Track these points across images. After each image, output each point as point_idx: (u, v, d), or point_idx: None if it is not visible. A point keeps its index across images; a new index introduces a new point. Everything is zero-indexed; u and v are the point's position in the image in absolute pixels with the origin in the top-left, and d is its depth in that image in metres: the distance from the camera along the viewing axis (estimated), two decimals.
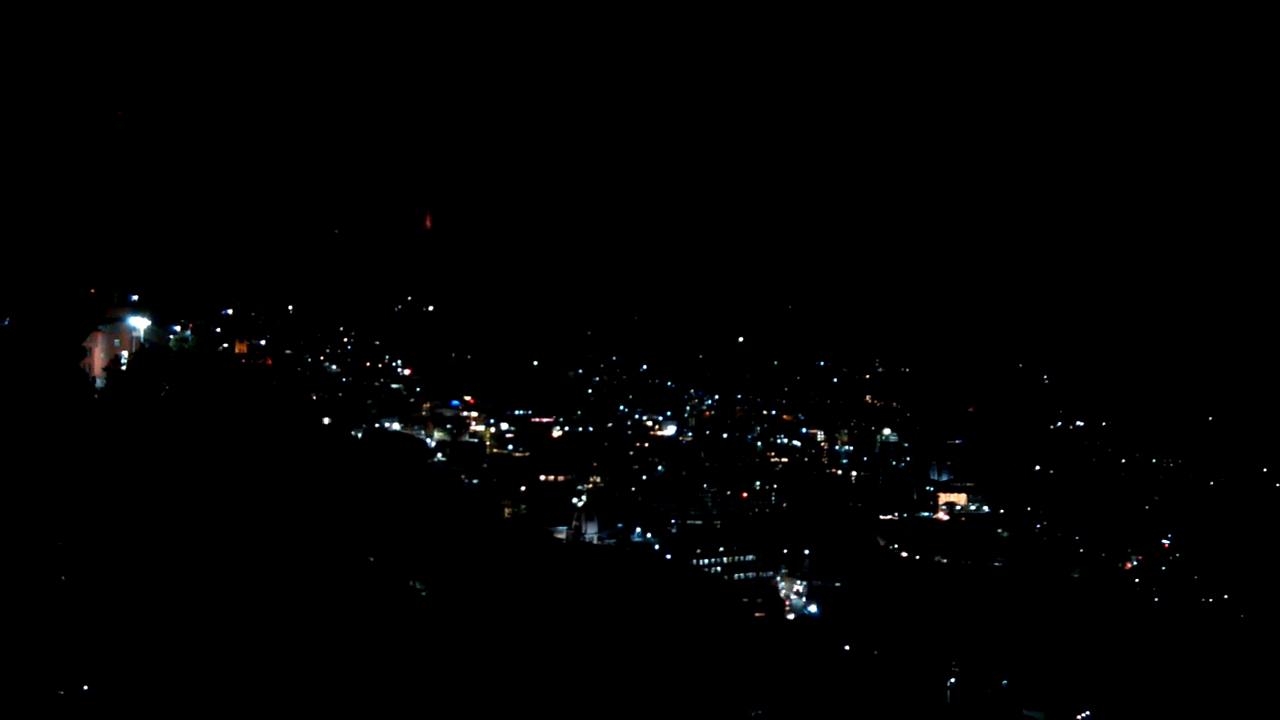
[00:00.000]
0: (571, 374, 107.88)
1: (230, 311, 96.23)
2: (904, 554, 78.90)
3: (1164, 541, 77.90)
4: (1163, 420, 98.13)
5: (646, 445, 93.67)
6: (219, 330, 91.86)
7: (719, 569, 70.03)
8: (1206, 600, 71.80)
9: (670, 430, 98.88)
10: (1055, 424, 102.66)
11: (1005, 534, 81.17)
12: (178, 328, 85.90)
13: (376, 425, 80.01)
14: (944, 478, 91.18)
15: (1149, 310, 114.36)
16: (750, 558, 71.37)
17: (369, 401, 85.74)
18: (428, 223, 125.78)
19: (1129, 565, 76.23)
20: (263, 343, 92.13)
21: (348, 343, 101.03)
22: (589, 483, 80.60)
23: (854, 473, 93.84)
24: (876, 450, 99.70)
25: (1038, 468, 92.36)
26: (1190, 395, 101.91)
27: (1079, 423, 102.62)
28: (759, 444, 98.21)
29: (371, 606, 45.44)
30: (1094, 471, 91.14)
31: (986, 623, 64.64)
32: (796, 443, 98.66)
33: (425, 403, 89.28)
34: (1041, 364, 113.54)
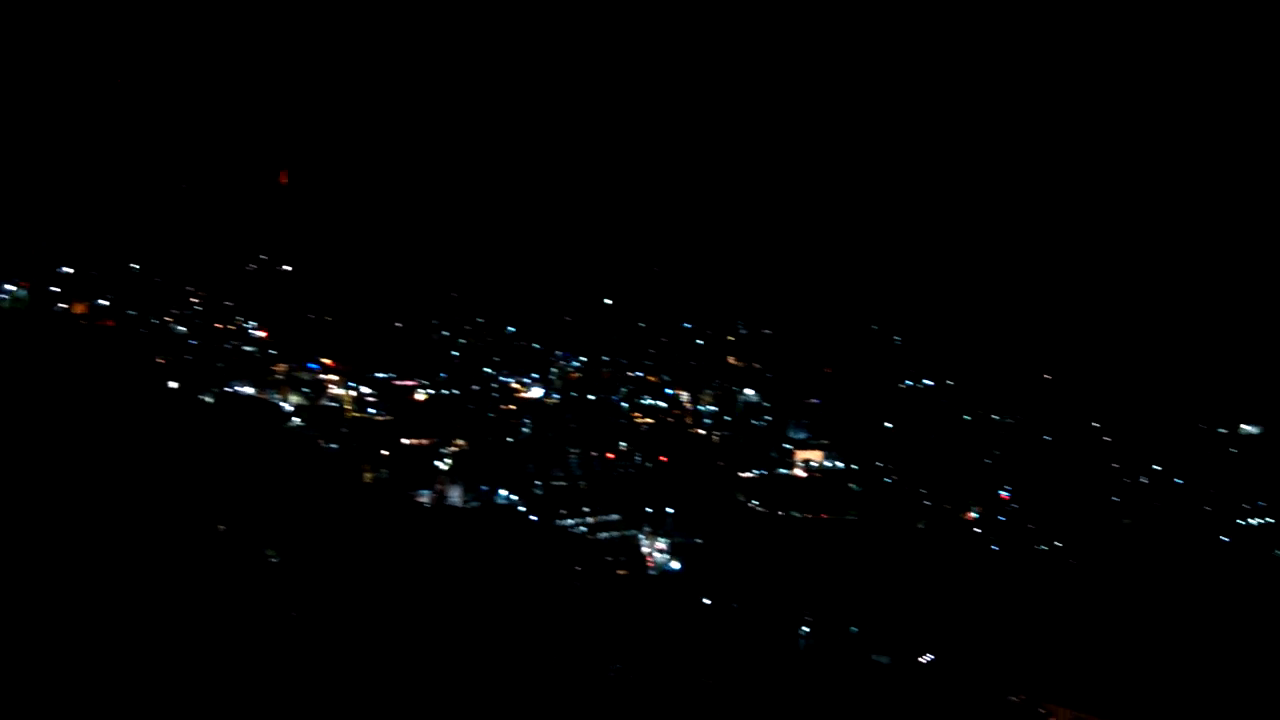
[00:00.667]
0: (436, 336, 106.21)
1: (69, 270, 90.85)
2: (763, 510, 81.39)
3: (1002, 494, 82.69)
4: (1002, 379, 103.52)
5: (513, 408, 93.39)
6: (56, 289, 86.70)
7: (584, 529, 70.92)
8: (1041, 547, 76.77)
9: (537, 392, 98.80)
10: (905, 383, 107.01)
11: (857, 488, 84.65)
12: (11, 287, 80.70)
13: (227, 389, 77.29)
14: (802, 436, 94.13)
15: (987, 274, 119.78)
16: (615, 517, 72.47)
17: (219, 364, 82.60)
18: (283, 178, 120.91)
19: (970, 515, 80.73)
20: (104, 303, 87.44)
21: (196, 303, 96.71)
22: (453, 446, 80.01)
23: (716, 433, 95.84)
24: (739, 410, 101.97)
25: (888, 425, 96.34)
26: (1026, 355, 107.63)
27: (927, 381, 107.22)
28: (625, 405, 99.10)
29: (220, 574, 44.27)
30: (939, 428, 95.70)
31: (838, 573, 67.63)
32: (662, 404, 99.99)
33: (280, 365, 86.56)
34: (893, 326, 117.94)
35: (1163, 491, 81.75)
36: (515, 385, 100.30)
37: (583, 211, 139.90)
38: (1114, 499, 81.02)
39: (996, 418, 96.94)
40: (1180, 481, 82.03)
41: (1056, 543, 75.25)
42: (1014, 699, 53.67)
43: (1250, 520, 75.64)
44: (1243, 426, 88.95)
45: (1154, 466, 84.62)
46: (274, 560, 49.05)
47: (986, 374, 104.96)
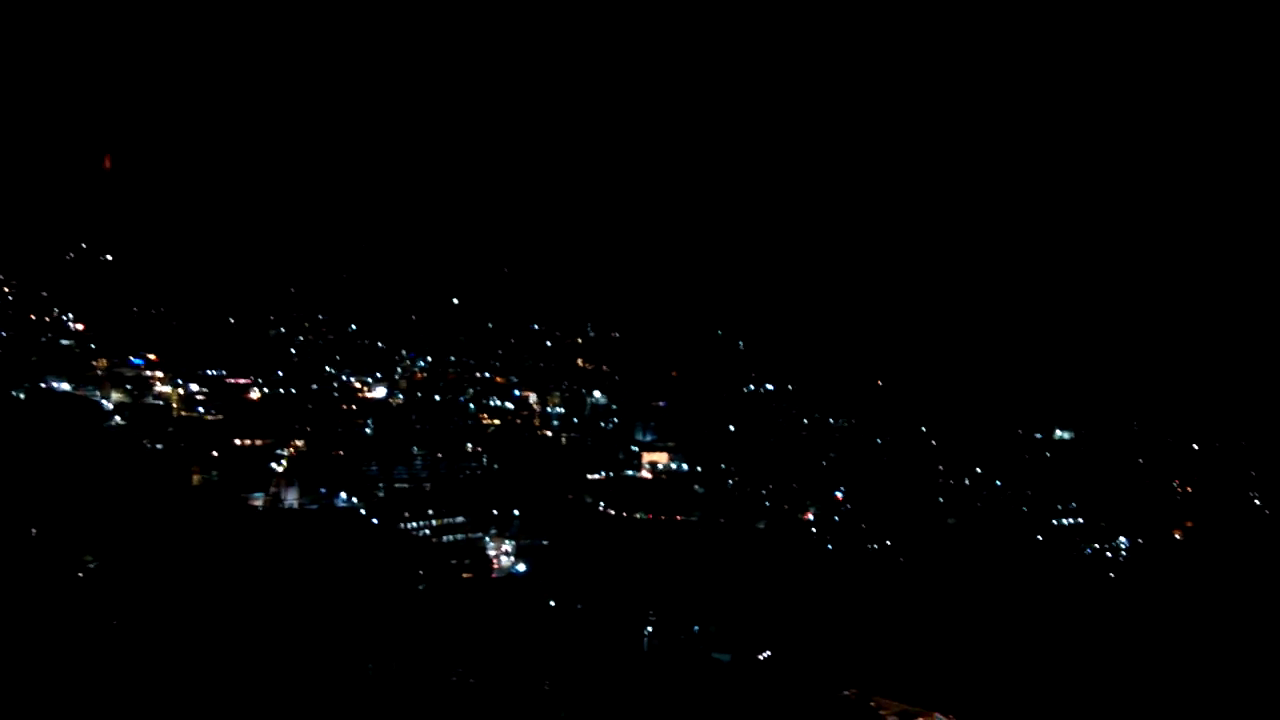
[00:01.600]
0: (273, 332, 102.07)
1: None
2: (609, 511, 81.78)
3: (837, 494, 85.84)
4: (837, 385, 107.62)
5: (354, 407, 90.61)
6: None
7: (427, 532, 69.39)
8: (873, 546, 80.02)
9: (380, 392, 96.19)
10: (748, 387, 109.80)
11: (701, 490, 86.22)
12: None
13: (42, 385, 71.99)
14: (648, 438, 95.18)
15: (824, 283, 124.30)
16: (460, 519, 71.23)
17: (33, 359, 76.83)
18: (107, 163, 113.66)
19: (807, 515, 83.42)
20: None
21: (8, 293, 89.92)
22: (290, 447, 76.98)
23: (565, 434, 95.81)
24: (587, 412, 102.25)
25: (731, 428, 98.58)
26: (861, 362, 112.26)
27: (768, 386, 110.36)
28: (471, 406, 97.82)
29: (33, 580, 41.19)
30: (779, 431, 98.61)
31: (682, 573, 68.56)
32: (509, 405, 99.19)
33: (101, 360, 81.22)
34: (737, 331, 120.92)
35: (983, 492, 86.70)
36: (357, 384, 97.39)
37: (429, 207, 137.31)
38: (939, 499, 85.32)
39: (833, 421, 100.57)
40: (1000, 483, 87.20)
41: (888, 541, 78.63)
42: (847, 693, 55.65)
43: (1063, 520, 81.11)
44: (1057, 432, 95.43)
45: (976, 469, 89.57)
46: (92, 566, 46.00)
47: (823, 379, 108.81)
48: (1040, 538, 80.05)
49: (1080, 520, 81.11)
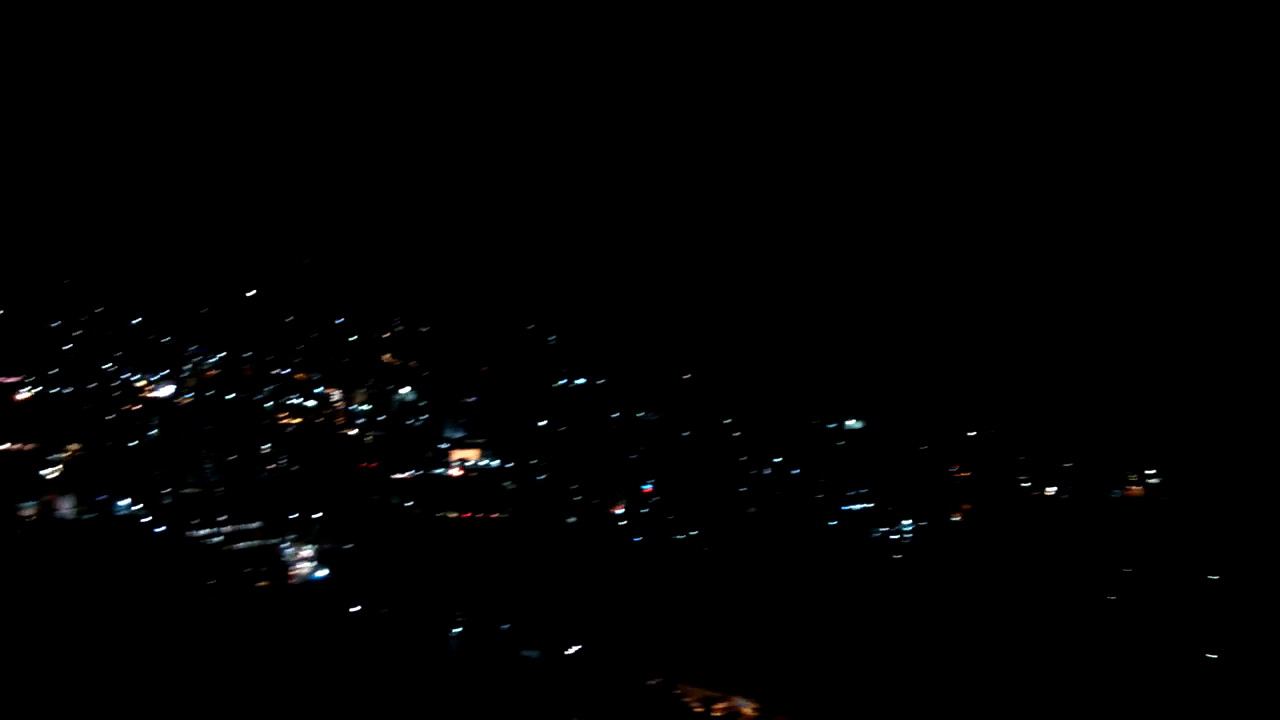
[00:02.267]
0: (44, 326, 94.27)
1: None
2: (417, 511, 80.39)
3: (645, 487, 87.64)
4: (645, 379, 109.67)
5: (138, 408, 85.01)
6: None
7: (219, 539, 66.14)
8: (678, 537, 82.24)
9: (167, 390, 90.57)
10: (558, 382, 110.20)
11: (512, 486, 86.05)
12: None
13: None
14: (458, 434, 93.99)
15: (629, 279, 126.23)
16: (255, 525, 68.29)
17: None
18: None
19: (616, 509, 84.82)
20: None
21: None
22: (64, 451, 71.57)
23: (370, 433, 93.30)
24: (394, 409, 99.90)
25: (543, 423, 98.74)
26: (667, 357, 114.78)
27: (580, 380, 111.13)
28: (269, 404, 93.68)
29: None
30: (589, 426, 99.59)
31: (490, 571, 68.37)
32: (311, 403, 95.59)
33: None
34: (548, 325, 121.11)
35: (782, 482, 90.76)
36: (141, 383, 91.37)
37: (224, 193, 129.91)
38: (741, 489, 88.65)
39: (641, 415, 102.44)
40: (797, 472, 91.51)
41: (692, 531, 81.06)
42: (652, 682, 57.21)
43: (853, 506, 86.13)
44: (848, 422, 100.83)
45: (775, 459, 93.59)
46: None
47: (631, 374, 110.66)
48: (834, 523, 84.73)
49: (869, 505, 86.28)
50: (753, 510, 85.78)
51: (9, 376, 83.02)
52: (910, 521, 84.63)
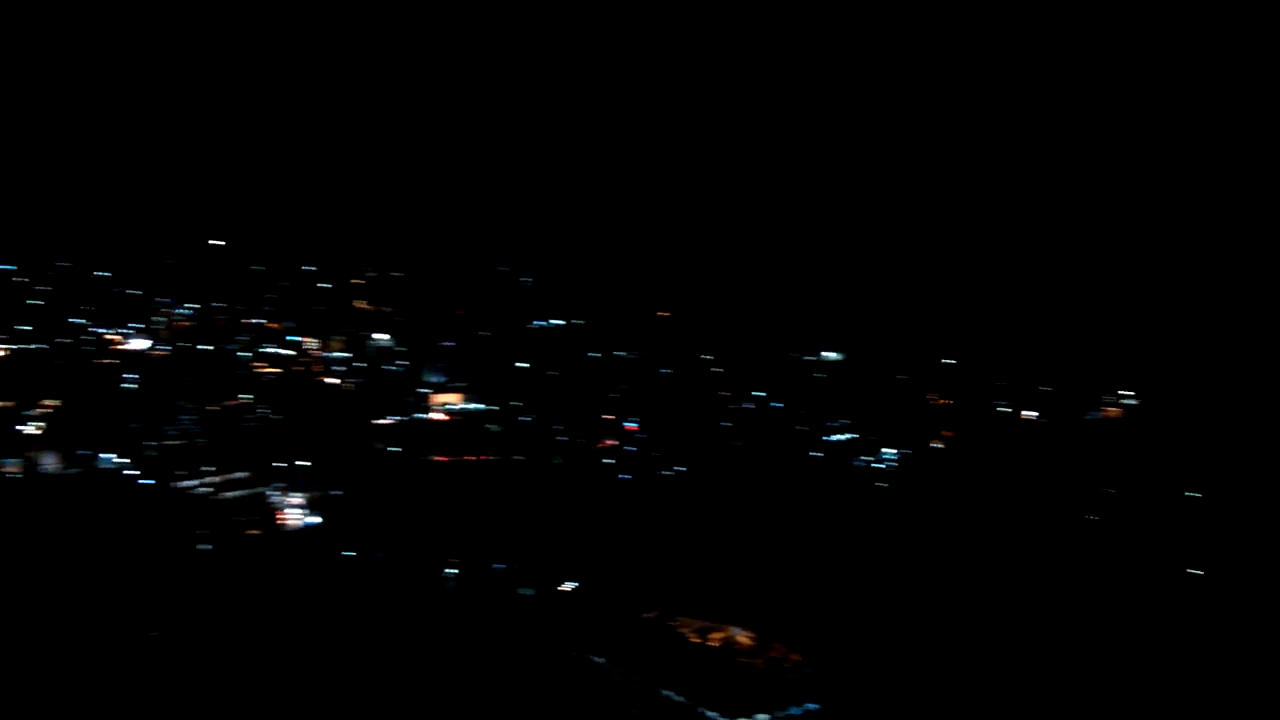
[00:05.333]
0: (10, 282, 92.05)
1: None
2: (401, 456, 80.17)
3: (629, 425, 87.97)
4: (623, 318, 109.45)
5: (114, 361, 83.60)
6: None
7: (207, 489, 65.66)
8: (665, 473, 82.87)
9: (141, 344, 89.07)
10: (533, 323, 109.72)
11: (496, 429, 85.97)
12: None
13: None
14: (439, 379, 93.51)
15: (608, 214, 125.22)
16: (242, 475, 67.82)
17: None
18: None
19: (601, 447, 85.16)
20: None
21: None
22: (41, 407, 70.36)
23: (349, 380, 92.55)
24: (371, 355, 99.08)
25: (523, 365, 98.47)
26: (644, 294, 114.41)
27: (555, 321, 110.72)
28: (244, 354, 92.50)
29: None
30: (568, 366, 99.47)
31: (481, 513, 68.64)
32: (287, 351, 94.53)
33: None
34: (521, 267, 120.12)
35: (764, 415, 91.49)
36: (112, 336, 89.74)
37: (189, 138, 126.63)
38: (725, 424, 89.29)
39: (621, 354, 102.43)
40: (779, 405, 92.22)
41: (679, 467, 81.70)
42: (648, 615, 57.99)
43: (836, 436, 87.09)
44: (824, 354, 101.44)
45: (756, 393, 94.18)
46: None
47: (609, 313, 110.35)
48: (817, 454, 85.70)
49: (852, 436, 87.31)
50: (738, 445, 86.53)
51: None
52: (893, 450, 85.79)
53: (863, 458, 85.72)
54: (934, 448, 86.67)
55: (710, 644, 56.16)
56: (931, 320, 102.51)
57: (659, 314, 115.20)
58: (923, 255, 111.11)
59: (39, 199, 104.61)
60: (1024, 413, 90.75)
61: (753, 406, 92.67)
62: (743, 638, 56.30)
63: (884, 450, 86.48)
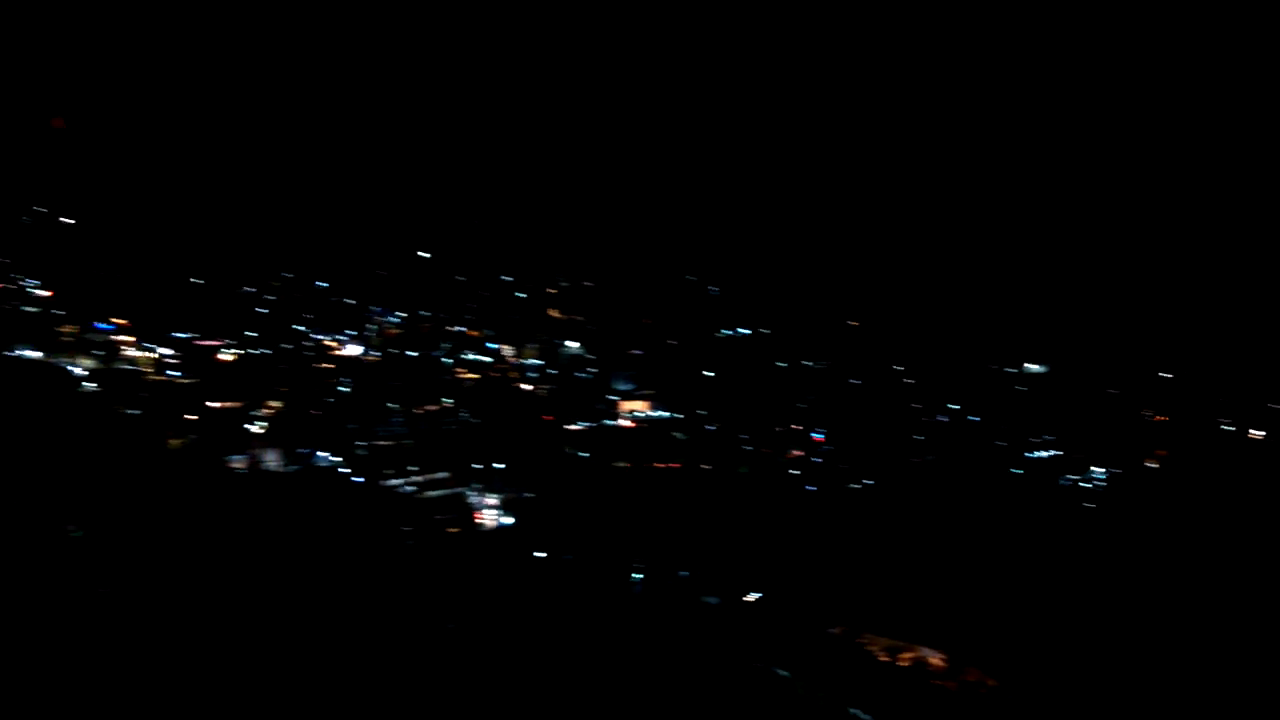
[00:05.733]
0: (241, 292, 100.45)
1: None
2: (591, 461, 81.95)
3: (817, 436, 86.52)
4: (812, 326, 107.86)
5: (330, 366, 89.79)
6: None
7: (411, 488, 69.33)
8: (854, 486, 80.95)
9: (354, 350, 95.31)
10: (721, 332, 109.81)
11: (682, 437, 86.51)
12: None
13: (9, 354, 70.76)
14: (626, 387, 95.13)
15: (797, 224, 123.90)
16: (443, 475, 71.17)
17: None
18: (58, 123, 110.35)
19: (791, 456, 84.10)
20: None
21: None
22: (266, 408, 76.33)
23: (542, 386, 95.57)
24: (563, 363, 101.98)
25: (710, 374, 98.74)
26: (833, 302, 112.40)
27: (743, 330, 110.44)
28: (447, 360, 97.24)
29: (17, 553, 40.73)
30: (755, 375, 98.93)
31: (666, 519, 69.14)
32: (485, 358, 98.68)
33: (67, 326, 79.78)
34: (708, 276, 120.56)
35: (960, 428, 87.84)
36: (330, 343, 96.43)
37: (397, 160, 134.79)
38: (917, 437, 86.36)
39: (809, 364, 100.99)
40: (975, 419, 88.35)
41: (869, 481, 79.62)
42: (834, 631, 56.69)
43: (1039, 453, 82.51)
44: (1027, 366, 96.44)
45: (951, 405, 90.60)
46: (76, 536, 45.52)
47: (798, 321, 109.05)
48: (1017, 471, 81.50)
49: (1056, 453, 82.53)
50: (930, 459, 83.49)
51: (212, 340, 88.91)
52: (1103, 469, 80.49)
53: (1069, 476, 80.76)
54: (1148, 467, 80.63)
55: (900, 664, 54.36)
56: (1147, 329, 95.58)
57: (849, 323, 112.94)
58: (1140, 257, 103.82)
59: (266, 215, 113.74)
60: (1251, 431, 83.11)
61: (947, 420, 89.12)
62: (935, 659, 54.17)
63: (1093, 469, 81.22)
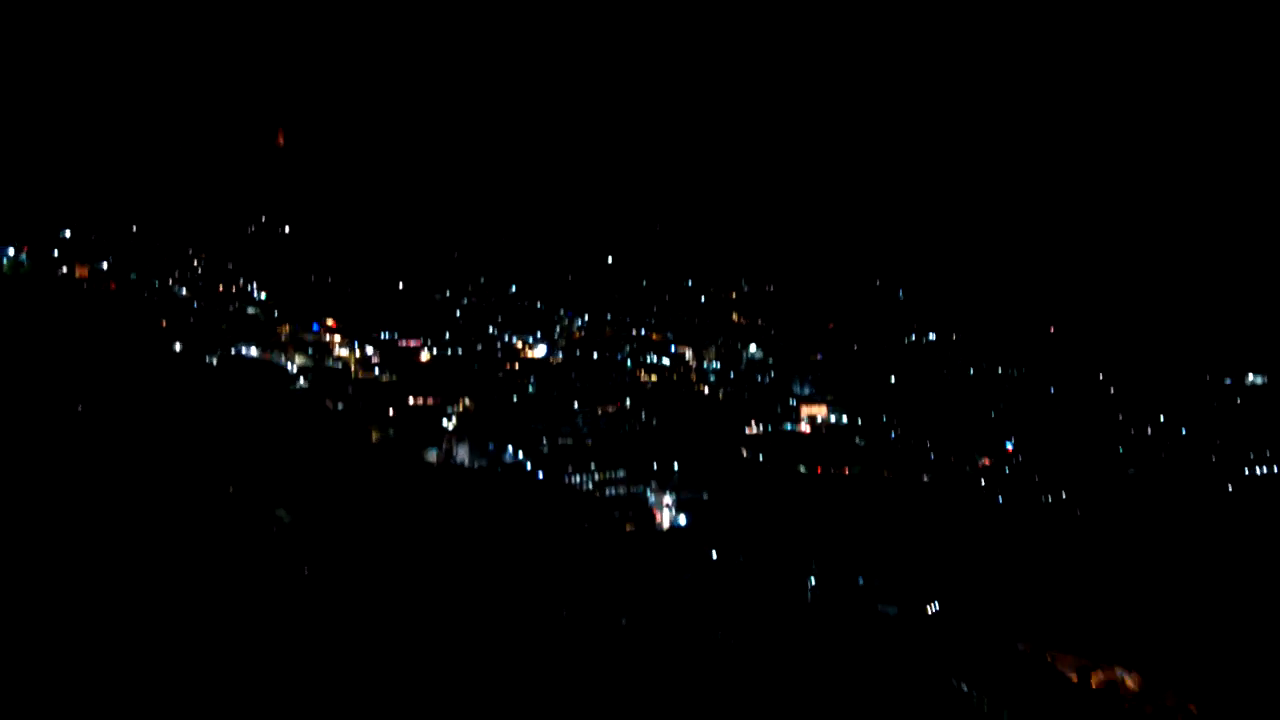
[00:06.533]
0: (438, 295, 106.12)
1: (69, 233, 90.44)
2: (768, 464, 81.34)
3: (1008, 445, 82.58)
4: (1007, 332, 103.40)
5: (517, 366, 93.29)
6: (56, 253, 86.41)
7: (591, 485, 70.94)
8: (1045, 499, 76.75)
9: (541, 351, 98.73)
10: (909, 338, 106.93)
11: (862, 442, 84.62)
12: (11, 250, 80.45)
13: (232, 351, 77.25)
14: (806, 391, 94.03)
15: (993, 228, 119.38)
16: (621, 473, 72.43)
17: (223, 326, 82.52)
18: (280, 139, 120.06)
19: (980, 465, 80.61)
20: (105, 266, 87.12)
21: (197, 265, 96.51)
22: (459, 405, 79.97)
23: (721, 389, 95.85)
24: (743, 366, 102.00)
25: (893, 379, 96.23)
26: (1030, 308, 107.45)
27: (931, 336, 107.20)
28: (629, 362, 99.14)
29: (232, 535, 44.47)
30: (943, 382, 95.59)
31: (844, 526, 67.70)
32: (666, 360, 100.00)
33: (284, 326, 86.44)
34: (896, 280, 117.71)
35: (1168, 442, 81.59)
36: (519, 344, 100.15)
37: (581, 171, 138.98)
38: (1119, 449, 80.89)
39: (1001, 370, 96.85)
40: (1185, 431, 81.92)
41: (1063, 494, 75.14)
42: (1021, 647, 53.90)
43: (1257, 469, 75.51)
44: (1250, 376, 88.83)
45: (1159, 417, 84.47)
46: (285, 520, 49.25)
47: (990, 327, 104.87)
48: (1231, 488, 74.85)
49: (1276, 470, 75.44)
50: (1132, 472, 78.12)
51: (412, 340, 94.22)
52: None
53: None
54: None
55: (1092, 684, 51.15)
56: None
57: (1049, 329, 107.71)
58: None
59: (462, 224, 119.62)
60: None
61: (1153, 432, 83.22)
62: (1129, 681, 50.65)
63: None
